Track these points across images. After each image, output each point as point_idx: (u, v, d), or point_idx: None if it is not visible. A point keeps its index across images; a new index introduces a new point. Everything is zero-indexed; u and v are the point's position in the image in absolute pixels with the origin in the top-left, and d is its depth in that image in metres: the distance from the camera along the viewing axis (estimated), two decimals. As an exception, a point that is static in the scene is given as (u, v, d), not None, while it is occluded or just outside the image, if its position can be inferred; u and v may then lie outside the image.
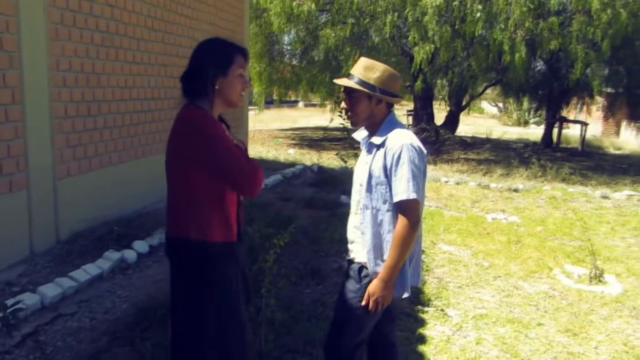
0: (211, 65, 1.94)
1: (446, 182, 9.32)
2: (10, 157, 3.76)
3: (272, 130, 18.56)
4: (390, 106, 2.29)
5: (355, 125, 2.33)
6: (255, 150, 12.05)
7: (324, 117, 17.86)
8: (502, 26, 10.88)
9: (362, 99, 2.21)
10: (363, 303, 2.20)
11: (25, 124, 3.87)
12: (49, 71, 4.10)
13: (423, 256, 5.09)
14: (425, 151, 2.22)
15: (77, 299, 3.56)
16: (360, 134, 2.42)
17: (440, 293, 4.29)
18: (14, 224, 3.87)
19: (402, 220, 2.11)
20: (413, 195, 2.09)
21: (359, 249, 2.29)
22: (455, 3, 10.90)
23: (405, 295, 2.24)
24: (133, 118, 5.37)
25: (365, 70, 2.23)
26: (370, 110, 2.23)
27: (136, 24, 5.29)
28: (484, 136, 18.86)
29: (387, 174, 2.15)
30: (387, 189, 2.16)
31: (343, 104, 2.30)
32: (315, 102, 26.46)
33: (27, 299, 3.29)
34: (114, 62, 4.97)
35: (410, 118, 17.97)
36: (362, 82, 2.19)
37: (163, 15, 5.80)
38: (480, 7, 10.72)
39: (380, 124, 2.25)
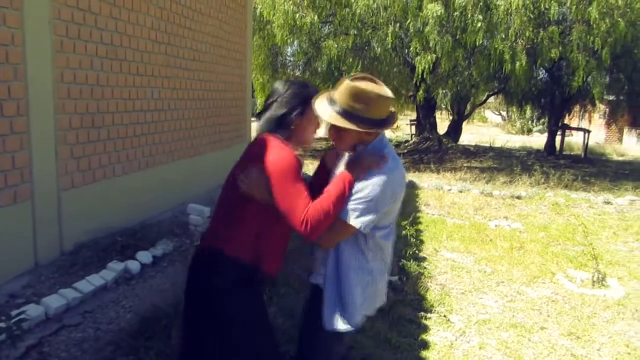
0: (293, 108, 2.06)
1: (449, 190, 9.32)
2: (15, 168, 3.79)
3: (275, 142, 18.57)
4: None
5: (344, 152, 2.14)
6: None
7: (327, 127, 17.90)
8: (503, 36, 10.97)
9: (349, 130, 1.97)
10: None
11: (30, 136, 3.91)
12: (54, 83, 4.15)
13: (426, 263, 5.12)
14: (403, 183, 2.01)
15: (81, 310, 3.58)
16: None
17: (444, 299, 4.28)
18: (18, 235, 3.89)
19: (333, 228, 1.94)
20: (354, 223, 1.91)
21: (320, 271, 2.16)
22: (457, 14, 10.98)
23: (348, 329, 2.03)
24: (137, 130, 5.41)
25: (350, 98, 1.93)
26: (359, 138, 2.02)
27: (140, 36, 5.35)
28: (488, 145, 18.89)
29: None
30: None
31: (328, 135, 2.07)
32: (318, 114, 26.50)
33: (32, 311, 3.29)
34: (118, 74, 5.03)
35: (414, 127, 18.05)
36: (347, 114, 1.93)
37: (167, 28, 5.88)
38: (481, 17, 10.80)
39: (368, 144, 2.04)
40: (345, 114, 1.93)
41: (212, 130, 7.33)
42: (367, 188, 1.89)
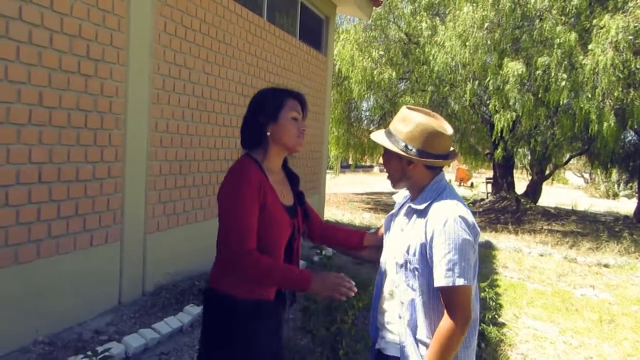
0: (260, 114, 1.93)
1: (529, 252, 8.87)
2: (109, 210, 4.04)
3: (347, 194, 18.70)
4: (435, 168, 1.83)
5: (393, 187, 1.93)
6: (331, 213, 12.15)
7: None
8: (589, 95, 10.56)
9: (391, 156, 1.84)
10: None
11: (124, 180, 4.17)
12: (148, 132, 4.44)
13: (505, 329, 4.84)
14: (477, 227, 1.75)
15: (158, 351, 3.65)
16: (401, 195, 2.03)
17: (526, 371, 4.00)
18: (107, 274, 4.09)
19: (446, 313, 1.69)
20: (460, 282, 1.64)
21: (390, 338, 1.89)
22: (538, 72, 10.75)
23: None
24: (219, 177, 5.63)
25: (398, 121, 1.83)
26: (401, 171, 1.84)
27: (227, 89, 5.66)
28: (569, 207, 17.95)
29: (424, 252, 1.73)
30: (423, 271, 1.74)
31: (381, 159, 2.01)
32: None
33: (114, 349, 3.40)
34: (206, 124, 5.31)
35: (490, 186, 17.56)
36: (389, 134, 1.84)
37: (252, 82, 6.18)
38: (565, 76, 10.50)
39: (424, 187, 1.82)
40: (388, 133, 1.84)
41: (289, 181, 7.47)
42: (445, 239, 1.67)
